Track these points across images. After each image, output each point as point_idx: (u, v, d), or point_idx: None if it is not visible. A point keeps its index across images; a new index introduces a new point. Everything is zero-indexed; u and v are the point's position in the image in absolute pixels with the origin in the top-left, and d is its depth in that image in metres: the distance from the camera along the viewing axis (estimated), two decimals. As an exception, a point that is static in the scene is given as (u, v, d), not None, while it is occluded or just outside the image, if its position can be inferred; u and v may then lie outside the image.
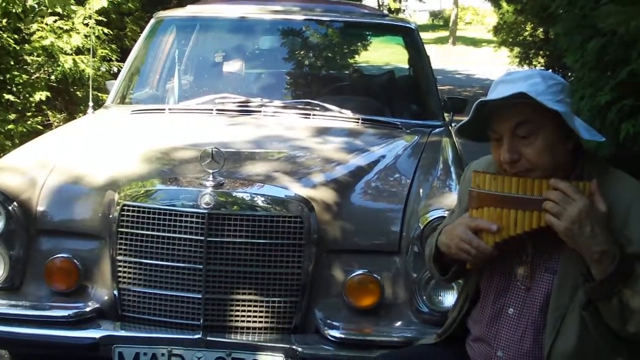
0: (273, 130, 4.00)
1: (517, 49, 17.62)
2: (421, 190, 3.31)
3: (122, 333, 3.04)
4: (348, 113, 4.33)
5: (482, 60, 27.97)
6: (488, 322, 2.32)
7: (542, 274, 2.22)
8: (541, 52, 16.41)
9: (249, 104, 4.35)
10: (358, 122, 4.28)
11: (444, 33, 40.78)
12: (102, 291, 3.17)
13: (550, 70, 16.10)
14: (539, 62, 16.74)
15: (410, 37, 5.17)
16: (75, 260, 3.15)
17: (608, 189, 2.12)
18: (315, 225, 3.08)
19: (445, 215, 3.00)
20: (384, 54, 6.19)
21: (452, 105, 5.02)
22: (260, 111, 4.29)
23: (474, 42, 37.19)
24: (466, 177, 2.47)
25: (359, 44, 6.12)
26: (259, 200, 3.09)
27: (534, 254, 2.23)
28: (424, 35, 5.74)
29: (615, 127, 3.96)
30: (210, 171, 3.04)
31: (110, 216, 3.12)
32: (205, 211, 2.99)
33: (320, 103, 4.40)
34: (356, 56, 6.05)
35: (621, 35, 3.94)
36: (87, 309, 3.10)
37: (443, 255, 2.38)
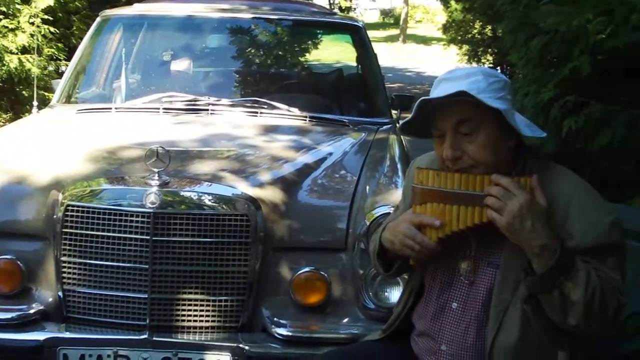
0: (220, 129, 3.99)
1: (465, 47, 17.81)
2: (367, 188, 3.33)
3: (67, 335, 3.00)
4: (296, 111, 4.34)
5: (432, 58, 28.17)
6: (432, 316, 2.34)
7: (484, 269, 2.24)
8: (489, 49, 16.61)
9: (196, 103, 4.33)
10: (306, 120, 4.29)
11: (394, 31, 40.97)
12: (47, 293, 3.12)
13: (498, 67, 16.33)
14: (487, 60, 16.94)
15: (357, 35, 5.19)
16: (19, 262, 3.10)
17: (549, 184, 2.16)
18: (261, 223, 3.07)
19: (391, 211, 3.03)
20: (333, 53, 6.20)
21: (400, 103, 5.04)
22: (207, 110, 4.27)
23: (424, 40, 37.44)
24: (410, 174, 2.49)
25: (308, 42, 6.12)
26: (205, 199, 3.08)
27: (477, 248, 2.26)
28: (375, 34, 5.79)
29: (558, 123, 4.03)
30: (156, 170, 3.03)
31: (55, 217, 3.08)
32: (151, 210, 2.97)
33: (268, 101, 4.40)
34: (306, 54, 6.05)
35: (563, 33, 4.01)
36: (31, 311, 3.05)
37: (387, 251, 2.40)
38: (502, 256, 2.21)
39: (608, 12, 3.44)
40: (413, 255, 2.28)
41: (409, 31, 39.36)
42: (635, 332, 3.01)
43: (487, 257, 2.25)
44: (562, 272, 2.05)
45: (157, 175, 3.03)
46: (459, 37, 17.97)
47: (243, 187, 3.15)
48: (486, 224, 2.15)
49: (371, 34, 5.70)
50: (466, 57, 17.67)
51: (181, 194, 3.07)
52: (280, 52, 5.60)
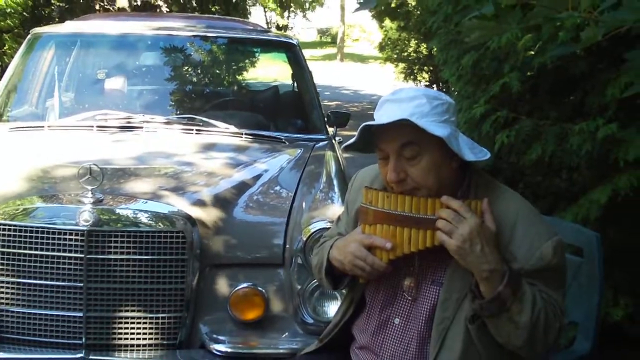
0: (155, 147, 3.97)
1: (402, 65, 17.97)
2: (304, 203, 3.35)
3: (1, 355, 2.95)
4: (232, 128, 4.34)
5: (370, 76, 28.39)
6: (374, 331, 2.34)
7: (428, 286, 2.25)
8: (425, 67, 16.80)
9: (130, 120, 4.30)
10: (242, 137, 4.29)
11: (332, 50, 41.23)
12: (-21, 313, 3.07)
13: (434, 85, 16.54)
14: (423, 78, 17.13)
15: (292, 52, 5.22)
16: (-50, 283, 3.04)
17: (494, 206, 2.17)
18: (198, 240, 3.07)
19: (327, 226, 3.06)
20: (269, 71, 6.22)
21: (336, 120, 5.08)
22: (142, 127, 4.25)
23: (362, 59, 37.76)
24: (354, 187, 2.50)
25: (244, 60, 6.13)
26: (140, 216, 3.06)
27: (420, 266, 2.27)
28: (313, 52, 5.84)
29: (490, 138, 4.10)
30: (89, 188, 3.00)
31: (-14, 236, 3.03)
32: (85, 228, 2.95)
33: (203, 118, 4.40)
34: (242, 73, 6.05)
35: (493, 50, 4.09)
36: (-37, 332, 3.00)
37: (335, 268, 2.40)
38: (445, 274, 2.22)
39: (536, 27, 3.52)
40: (363, 275, 2.28)
41: (346, 50, 39.67)
42: (569, 343, 3.08)
43: (431, 274, 2.25)
44: (510, 295, 2.06)
45: (90, 192, 3.00)
46: (395, 56, 18.14)
47: (179, 204, 3.15)
48: (435, 246, 2.16)
49: (308, 52, 5.75)
50: (402, 75, 17.83)
51: (116, 211, 3.05)
52: (215, 70, 5.60)
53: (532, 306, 2.08)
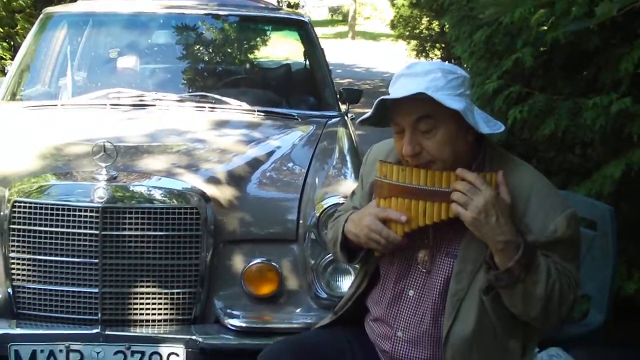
0: (168, 124, 3.99)
1: (413, 42, 17.90)
2: (317, 179, 3.36)
3: (18, 331, 2.98)
4: (244, 105, 4.35)
5: (381, 54, 28.27)
6: (388, 303, 2.36)
7: (442, 258, 2.26)
8: (437, 44, 16.74)
9: (143, 98, 4.31)
10: (254, 114, 4.30)
11: (343, 28, 41.06)
12: (-4, 290, 3.10)
13: (447, 61, 16.47)
14: (435, 55, 17.08)
15: (304, 30, 5.21)
16: (-33, 260, 3.07)
17: (509, 179, 2.18)
18: (212, 216, 3.09)
19: (340, 201, 3.07)
20: (281, 50, 6.21)
21: (348, 97, 5.07)
22: (154, 105, 4.26)
23: (373, 37, 37.58)
24: (368, 161, 2.50)
25: (256, 38, 6.13)
26: (154, 193, 3.08)
27: (435, 239, 2.28)
28: (324, 31, 5.82)
29: (503, 114, 4.09)
30: (103, 165, 3.02)
31: (1, 213, 3.06)
32: (99, 205, 2.97)
33: (215, 96, 4.40)
34: (255, 51, 6.05)
35: (506, 25, 4.08)
36: (-20, 309, 3.02)
37: (350, 242, 2.41)
38: (460, 247, 2.23)
39: (550, 3, 3.50)
40: (379, 248, 2.29)
41: (357, 28, 39.48)
42: (582, 316, 3.09)
43: (445, 247, 2.27)
44: (525, 267, 2.08)
45: (104, 170, 3.02)
46: (407, 33, 18.07)
47: (193, 181, 3.17)
48: (450, 218, 2.17)
49: (320, 31, 5.74)
50: (414, 53, 17.78)
51: (130, 188, 3.07)
52: (227, 48, 5.59)
53: (546, 277, 2.09)
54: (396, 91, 2.18)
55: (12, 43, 8.92)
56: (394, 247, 2.28)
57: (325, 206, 3.11)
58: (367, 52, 29.68)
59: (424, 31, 17.43)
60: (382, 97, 2.18)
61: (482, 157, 2.25)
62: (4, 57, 8.40)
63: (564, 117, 3.75)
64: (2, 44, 8.47)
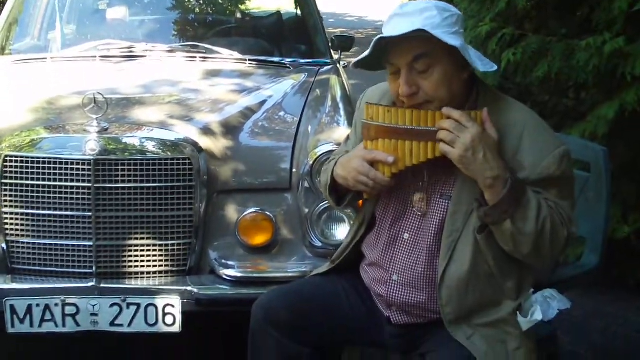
0: (159, 75, 3.94)
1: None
2: (310, 127, 3.34)
3: (13, 286, 2.98)
4: (235, 54, 4.30)
5: (374, 2, 27.96)
6: (384, 247, 2.37)
7: (437, 200, 2.27)
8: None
9: (133, 50, 4.25)
10: (245, 63, 4.25)
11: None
12: (-10, 245, 3.09)
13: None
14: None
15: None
16: (-41, 215, 3.05)
17: (501, 117, 2.18)
18: (204, 166, 3.07)
19: (334, 148, 3.05)
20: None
21: (340, 44, 5.01)
22: (144, 56, 4.20)
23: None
24: (362, 105, 2.47)
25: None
26: (146, 144, 3.05)
27: (429, 180, 2.28)
28: None
29: (497, 56, 4.05)
30: (94, 117, 2.99)
31: (-7, 168, 3.04)
32: (91, 157, 2.94)
33: (206, 45, 4.35)
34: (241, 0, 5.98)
35: (498, -34, 4.03)
36: (-26, 264, 3.02)
37: (339, 185, 2.42)
38: (454, 187, 2.23)
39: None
40: (367, 190, 2.30)
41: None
42: (576, 258, 3.10)
43: (440, 188, 2.27)
44: (514, 202, 2.08)
45: (95, 121, 2.99)
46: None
47: (185, 131, 3.14)
48: (439, 158, 2.17)
49: None
50: (408, -1, 17.60)
51: (122, 139, 3.04)
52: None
53: (536, 213, 2.09)
54: (392, 30, 2.15)
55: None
56: (382, 189, 2.28)
57: (318, 154, 3.09)
58: (359, 1, 29.38)
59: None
60: (380, 35, 2.16)
61: (474, 97, 2.25)
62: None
63: (557, 59, 3.72)
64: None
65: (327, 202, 2.99)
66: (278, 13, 5.38)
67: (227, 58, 4.27)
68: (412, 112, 2.18)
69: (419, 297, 2.30)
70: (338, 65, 4.58)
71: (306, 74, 4.18)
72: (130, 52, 4.23)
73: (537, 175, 2.15)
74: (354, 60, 2.32)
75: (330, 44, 4.84)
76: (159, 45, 4.32)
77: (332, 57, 4.65)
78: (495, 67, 2.25)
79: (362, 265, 2.49)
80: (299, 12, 5.29)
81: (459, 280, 2.22)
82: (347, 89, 4.02)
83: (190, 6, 5.26)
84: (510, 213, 2.08)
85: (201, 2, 5.40)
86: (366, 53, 2.23)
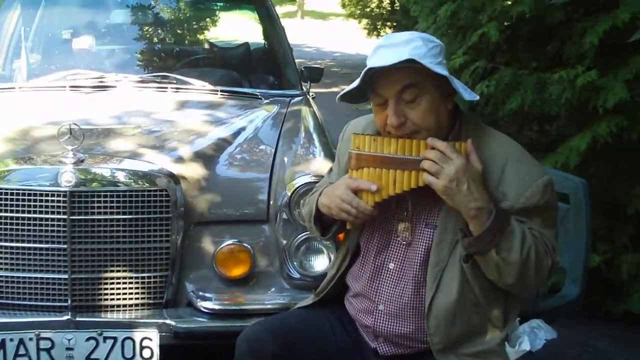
0: (131, 106, 3.90)
1: (365, 21, 17.90)
2: (286, 159, 3.33)
3: None
4: (207, 85, 4.28)
5: (331, 33, 28.18)
6: (369, 277, 2.36)
7: (422, 229, 2.28)
8: (388, 23, 16.76)
9: (103, 80, 4.21)
10: (217, 94, 4.23)
11: (292, 7, 40.82)
12: (-40, 278, 3.01)
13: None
14: (387, 33, 17.05)
15: (264, 7, 5.16)
16: None
17: (484, 147, 2.20)
18: (181, 198, 3.04)
19: (311, 180, 3.06)
20: (240, 27, 6.14)
21: (309, 75, 5.03)
22: (115, 87, 4.17)
23: (323, 16, 37.42)
24: (345, 137, 2.51)
25: (213, 16, 6.06)
26: (123, 176, 3.02)
27: (414, 210, 2.29)
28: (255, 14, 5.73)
29: (470, 88, 4.09)
30: (70, 148, 2.95)
31: (-36, 200, 2.97)
32: (67, 189, 2.89)
33: (177, 76, 4.32)
34: (209, 31, 5.98)
35: (470, 0, 4.07)
36: (-56, 297, 2.94)
37: (323, 215, 2.42)
38: (438, 217, 2.24)
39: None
40: (350, 219, 2.29)
41: (307, 7, 39.28)
42: (553, 289, 3.11)
43: (425, 218, 2.28)
44: (498, 232, 2.09)
45: (71, 153, 2.95)
46: (358, 12, 18.04)
47: (161, 162, 3.11)
48: (422, 188, 2.18)
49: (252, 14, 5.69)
50: (366, 31, 17.78)
51: (98, 171, 3.01)
52: (185, 28, 5.52)
53: (521, 243, 2.10)
54: (380, 61, 2.17)
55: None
56: (365, 217, 2.28)
57: (296, 185, 3.08)
58: (317, 32, 29.57)
59: (375, 10, 17.44)
60: (370, 66, 2.17)
61: (458, 127, 2.27)
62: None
63: (529, 92, 3.77)
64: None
65: (306, 233, 3.03)
66: (246, 44, 5.39)
67: (198, 89, 4.24)
68: (397, 141, 2.20)
69: (406, 327, 2.30)
70: (308, 96, 4.58)
71: (278, 105, 4.18)
72: (101, 82, 4.18)
73: (521, 205, 2.16)
74: (340, 93, 2.33)
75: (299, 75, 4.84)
76: (130, 76, 4.29)
77: (302, 88, 4.66)
78: (478, 97, 2.28)
79: (347, 297, 2.48)
80: (266, 43, 5.30)
81: (446, 309, 2.21)
82: (319, 120, 4.02)
83: (157, 36, 5.24)
84: (494, 243, 2.09)
85: (168, 31, 5.39)
86: (354, 85, 2.24)
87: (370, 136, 2.26)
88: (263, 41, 5.37)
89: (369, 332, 2.39)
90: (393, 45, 2.19)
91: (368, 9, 17.62)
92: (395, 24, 16.11)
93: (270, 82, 4.83)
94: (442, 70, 2.15)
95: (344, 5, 19.72)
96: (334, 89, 14.20)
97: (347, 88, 2.28)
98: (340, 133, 2.57)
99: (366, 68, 2.19)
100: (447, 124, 2.25)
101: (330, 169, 2.63)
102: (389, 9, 16.71)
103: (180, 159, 3.20)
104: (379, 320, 2.33)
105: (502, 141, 2.28)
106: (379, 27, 17.34)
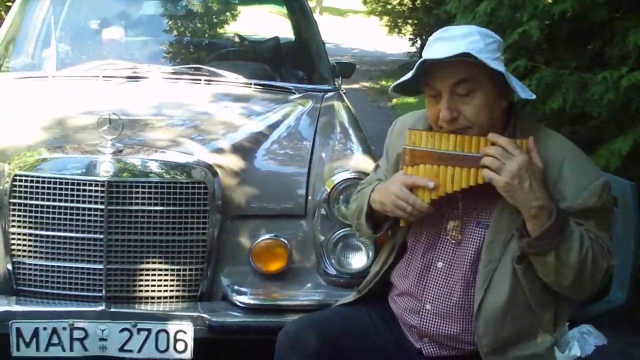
0: (165, 97, 3.87)
1: (386, 18, 17.82)
2: (323, 154, 3.30)
3: (19, 308, 2.88)
4: (240, 78, 4.23)
5: (350, 30, 28.13)
6: (416, 276, 2.32)
7: (473, 228, 2.24)
8: (410, 20, 16.70)
9: (136, 70, 4.18)
10: (251, 87, 4.19)
11: (310, 3, 40.76)
12: (-6, 265, 2.98)
13: (418, 37, 16.47)
14: (408, 31, 17.04)
15: (296, 1, 5.12)
16: (-36, 235, 2.95)
17: (541, 146, 2.15)
18: (219, 190, 3.00)
19: (351, 176, 3.02)
20: (271, 22, 6.10)
21: (341, 70, 4.99)
22: (147, 77, 4.13)
23: (340, 12, 37.40)
24: (394, 132, 2.47)
25: (241, 9, 6.03)
26: (161, 167, 2.98)
27: (465, 208, 2.25)
28: (284, 9, 5.69)
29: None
30: (109, 138, 2.92)
31: (1, 187, 2.95)
32: (105, 179, 2.87)
33: (210, 68, 4.28)
34: (237, 24, 5.95)
35: (510, -3, 4.04)
36: (-22, 285, 2.91)
37: (375, 212, 2.37)
38: (491, 216, 2.20)
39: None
40: (404, 216, 2.25)
41: (326, 3, 39.23)
42: (604, 294, 3.05)
43: (476, 216, 2.24)
44: (558, 233, 2.05)
45: (110, 142, 2.92)
46: (380, 9, 17.97)
47: (199, 154, 3.08)
48: (475, 185, 2.13)
49: (280, 8, 5.67)
50: (387, 29, 17.72)
51: (136, 161, 2.97)
52: (215, 20, 5.49)
53: (579, 245, 2.07)
54: (436, 53, 2.14)
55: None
56: (420, 214, 2.24)
57: (336, 181, 3.04)
58: (335, 28, 29.56)
59: (396, 7, 17.37)
60: (425, 58, 2.14)
61: (512, 124, 2.23)
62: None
63: (571, 92, 3.72)
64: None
65: (345, 229, 3.01)
66: (276, 38, 5.35)
67: (232, 81, 4.20)
68: (455, 137, 2.16)
69: (454, 328, 2.26)
70: (341, 92, 4.54)
71: (312, 99, 4.14)
72: (134, 72, 4.15)
73: (578, 206, 2.12)
74: (393, 84, 2.30)
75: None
76: (162, 67, 4.27)
77: (335, 83, 4.61)
78: (534, 96, 2.24)
79: (391, 295, 2.44)
80: (297, 37, 5.27)
81: (496, 311, 2.17)
82: (354, 115, 3.98)
83: (187, 29, 5.21)
84: (554, 244, 2.05)
85: (198, 24, 5.36)
86: (408, 76, 2.22)
87: (427, 132, 2.22)
88: (295, 34, 5.33)
89: (414, 332, 2.35)
90: (450, 38, 2.16)
91: (389, 6, 17.53)
92: (416, 21, 16.05)
93: (300, 76, 4.80)
94: (499, 66, 2.11)
95: (365, 2, 19.63)
96: (354, 85, 14.19)
97: (401, 79, 2.25)
98: (389, 128, 2.53)
99: (421, 59, 2.15)
100: (501, 121, 2.22)
101: (377, 165, 2.59)
102: (411, 6, 16.64)
103: (217, 151, 3.16)
104: (425, 320, 2.30)
105: (558, 140, 2.24)
106: (400, 24, 17.26)
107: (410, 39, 16.97)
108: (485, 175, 2.10)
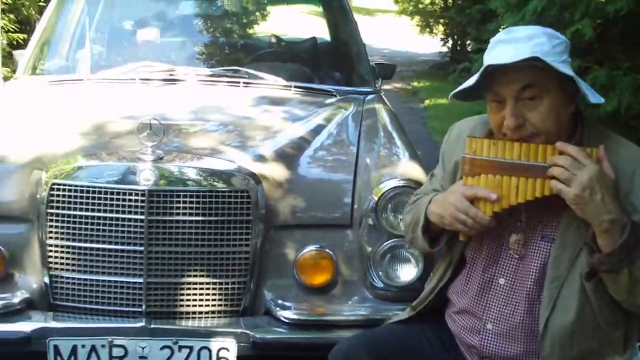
0: (204, 100, 3.75)
1: (417, 17, 17.69)
2: (368, 160, 3.16)
3: (56, 324, 2.76)
4: (280, 80, 4.11)
5: (379, 30, 28.02)
6: (476, 293, 2.20)
7: (537, 242, 2.11)
8: (441, 20, 16.57)
9: (173, 73, 4.06)
10: (291, 90, 4.06)
11: (339, 3, 40.67)
12: (32, 279, 2.88)
13: (449, 38, 16.33)
14: (440, 30, 16.91)
15: (336, 0, 4.99)
16: (1, 247, 2.84)
17: (610, 155, 2.02)
18: (262, 199, 2.88)
19: (400, 184, 2.90)
20: (310, 21, 6.00)
21: (381, 71, 4.84)
22: (184, 80, 4.01)
23: (370, 12, 37.30)
24: (451, 139, 2.34)
25: (276, 7, 5.93)
26: (203, 175, 2.86)
27: (528, 220, 2.12)
28: (318, 8, 5.58)
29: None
30: (149, 144, 2.80)
31: (38, 196, 2.83)
32: (145, 188, 2.75)
33: (249, 70, 4.15)
34: (273, 24, 5.85)
35: (561, -4, 3.89)
36: (16, 300, 2.80)
37: (430, 225, 2.24)
38: (557, 229, 2.07)
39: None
40: (464, 230, 2.11)
41: (355, 3, 39.15)
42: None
43: (541, 230, 2.11)
44: (632, 249, 1.91)
45: (150, 149, 2.80)
46: (411, 8, 17.83)
47: (241, 162, 2.96)
48: (545, 196, 1.99)
49: (315, 7, 5.56)
50: (418, 28, 17.60)
51: (178, 169, 2.85)
52: (250, 21, 5.39)
53: None
54: (499, 57, 2.01)
55: (18, 17, 8.59)
56: (481, 228, 2.10)
57: (384, 190, 2.91)
58: (365, 28, 29.47)
59: (428, 6, 17.23)
60: (490, 63, 2.00)
61: (579, 132, 2.10)
62: (10, 30, 8.11)
63: (625, 93, 3.57)
64: (8, 17, 8.18)
65: (393, 240, 2.91)
66: (313, 38, 5.23)
67: (271, 84, 4.07)
68: (520, 146, 2.03)
69: (517, 348, 2.14)
70: (381, 94, 4.40)
71: (354, 102, 4.00)
72: (171, 75, 4.03)
73: None
74: (454, 90, 2.17)
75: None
76: (200, 69, 4.15)
77: (375, 85, 4.48)
78: (603, 100, 2.12)
79: (449, 312, 2.31)
80: (335, 37, 5.14)
81: (563, 330, 2.05)
82: (397, 119, 3.84)
83: (223, 30, 5.10)
84: (627, 261, 1.92)
85: (234, 25, 5.26)
86: (472, 81, 2.09)
87: (489, 140, 2.08)
88: (328, 35, 5.21)
89: (473, 353, 2.22)
90: (514, 41, 2.03)
91: (421, 6, 17.39)
92: (448, 20, 15.90)
93: (338, 78, 4.66)
94: (567, 70, 1.98)
95: (396, 2, 19.47)
96: (385, 87, 14.04)
97: (462, 85, 2.12)
98: (446, 135, 2.40)
99: (484, 65, 2.02)
100: (568, 128, 2.09)
101: (432, 174, 2.45)
102: (442, 5, 16.49)
103: (260, 158, 3.04)
104: (486, 340, 2.16)
105: (629, 148, 2.10)
106: (431, 24, 17.12)
107: (441, 39, 16.86)
108: (553, 186, 1.97)
